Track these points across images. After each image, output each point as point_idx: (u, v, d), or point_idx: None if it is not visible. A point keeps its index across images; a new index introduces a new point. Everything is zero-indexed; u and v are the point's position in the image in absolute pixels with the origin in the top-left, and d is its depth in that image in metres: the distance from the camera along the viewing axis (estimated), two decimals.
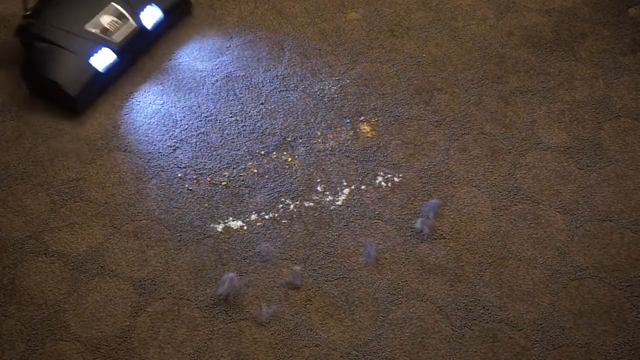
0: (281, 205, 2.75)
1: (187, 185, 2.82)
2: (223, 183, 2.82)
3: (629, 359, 2.37)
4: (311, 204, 2.76)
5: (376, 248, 2.63)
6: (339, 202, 2.76)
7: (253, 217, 2.73)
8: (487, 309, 2.49)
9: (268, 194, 2.79)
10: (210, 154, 2.91)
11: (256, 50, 3.23)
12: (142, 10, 3.12)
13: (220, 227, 2.70)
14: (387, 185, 2.80)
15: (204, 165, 2.88)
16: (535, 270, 2.57)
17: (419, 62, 3.18)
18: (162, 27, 3.22)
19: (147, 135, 2.97)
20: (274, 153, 2.91)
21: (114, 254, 2.65)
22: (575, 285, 2.53)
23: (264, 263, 2.61)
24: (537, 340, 2.42)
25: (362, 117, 3.00)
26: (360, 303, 2.52)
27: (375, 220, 2.70)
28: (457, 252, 2.62)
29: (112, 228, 2.71)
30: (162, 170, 2.87)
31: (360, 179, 2.82)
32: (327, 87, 3.10)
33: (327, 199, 2.77)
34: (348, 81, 3.12)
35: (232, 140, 2.95)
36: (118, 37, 3.03)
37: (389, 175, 2.83)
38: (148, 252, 2.65)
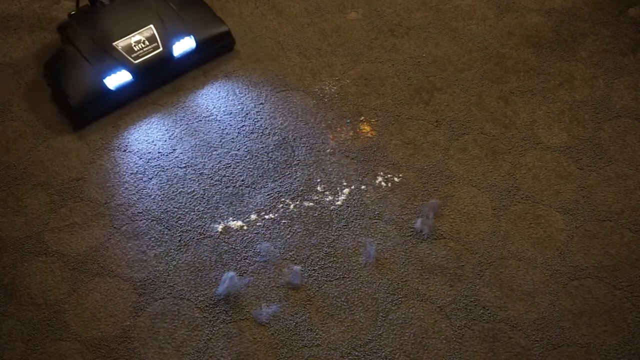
0: (281, 205, 2.75)
1: (187, 185, 2.82)
2: (223, 183, 2.82)
3: (629, 359, 2.37)
4: (311, 204, 2.76)
5: (376, 248, 2.63)
6: (339, 202, 2.76)
7: (253, 217, 2.73)
8: (487, 309, 2.49)
9: (268, 194, 2.79)
10: (210, 154, 2.91)
11: (256, 51, 3.23)
12: (179, 40, 3.02)
13: (220, 227, 2.70)
14: (387, 185, 2.80)
15: (204, 165, 2.88)
16: (535, 270, 2.57)
17: (419, 62, 3.18)
18: (193, 59, 3.10)
19: (147, 135, 2.97)
20: (274, 153, 2.91)
21: (114, 254, 2.65)
22: (575, 285, 2.53)
23: (264, 263, 2.61)
24: (537, 340, 2.42)
25: (362, 117, 3.00)
26: (360, 303, 2.51)
27: (375, 220, 2.70)
28: (457, 252, 2.62)
29: (112, 228, 2.71)
30: (162, 170, 2.87)
31: (360, 179, 2.82)
32: (327, 87, 3.10)
33: (327, 199, 2.77)
34: (348, 81, 3.12)
35: (232, 140, 2.95)
36: (139, 59, 2.95)
37: (389, 175, 2.82)
38: (148, 253, 2.65)
